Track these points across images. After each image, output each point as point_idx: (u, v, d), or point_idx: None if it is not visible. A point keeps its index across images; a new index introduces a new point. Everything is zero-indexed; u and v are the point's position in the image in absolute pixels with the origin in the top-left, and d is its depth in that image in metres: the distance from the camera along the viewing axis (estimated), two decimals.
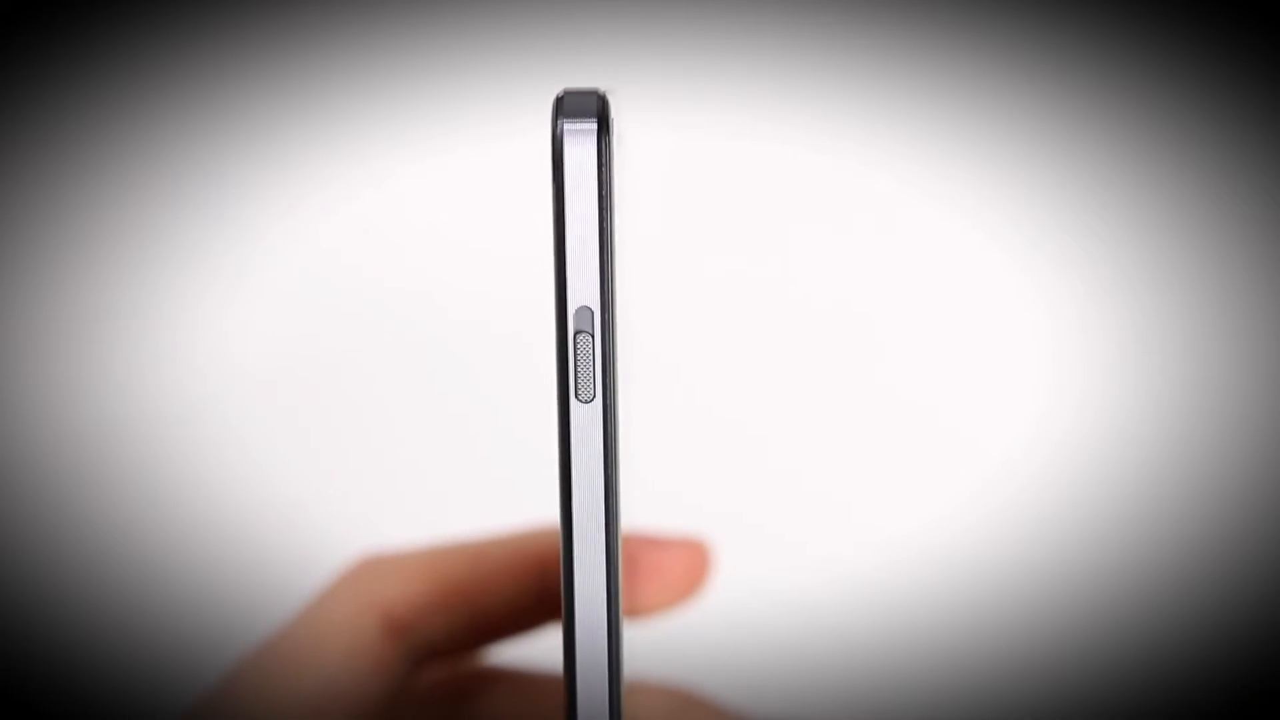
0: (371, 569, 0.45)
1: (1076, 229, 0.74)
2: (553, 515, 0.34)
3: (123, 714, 0.70)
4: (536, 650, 0.47)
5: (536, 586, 0.46)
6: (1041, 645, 0.72)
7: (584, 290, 0.33)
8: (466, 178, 0.73)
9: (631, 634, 0.42)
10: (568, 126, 0.32)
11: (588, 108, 0.33)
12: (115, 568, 0.72)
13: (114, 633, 0.72)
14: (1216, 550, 0.73)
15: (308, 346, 0.73)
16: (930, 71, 0.73)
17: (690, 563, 0.47)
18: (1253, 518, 0.73)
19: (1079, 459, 0.73)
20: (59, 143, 0.72)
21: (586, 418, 0.33)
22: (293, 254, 0.73)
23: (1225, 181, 0.73)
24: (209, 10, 0.72)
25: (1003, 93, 0.73)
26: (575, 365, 0.33)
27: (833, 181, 0.74)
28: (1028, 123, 0.73)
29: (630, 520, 0.42)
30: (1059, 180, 0.73)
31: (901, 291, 0.74)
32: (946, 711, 0.72)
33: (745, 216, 0.74)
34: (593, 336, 0.33)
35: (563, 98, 0.33)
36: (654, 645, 0.47)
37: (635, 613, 0.46)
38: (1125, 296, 0.74)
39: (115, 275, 0.73)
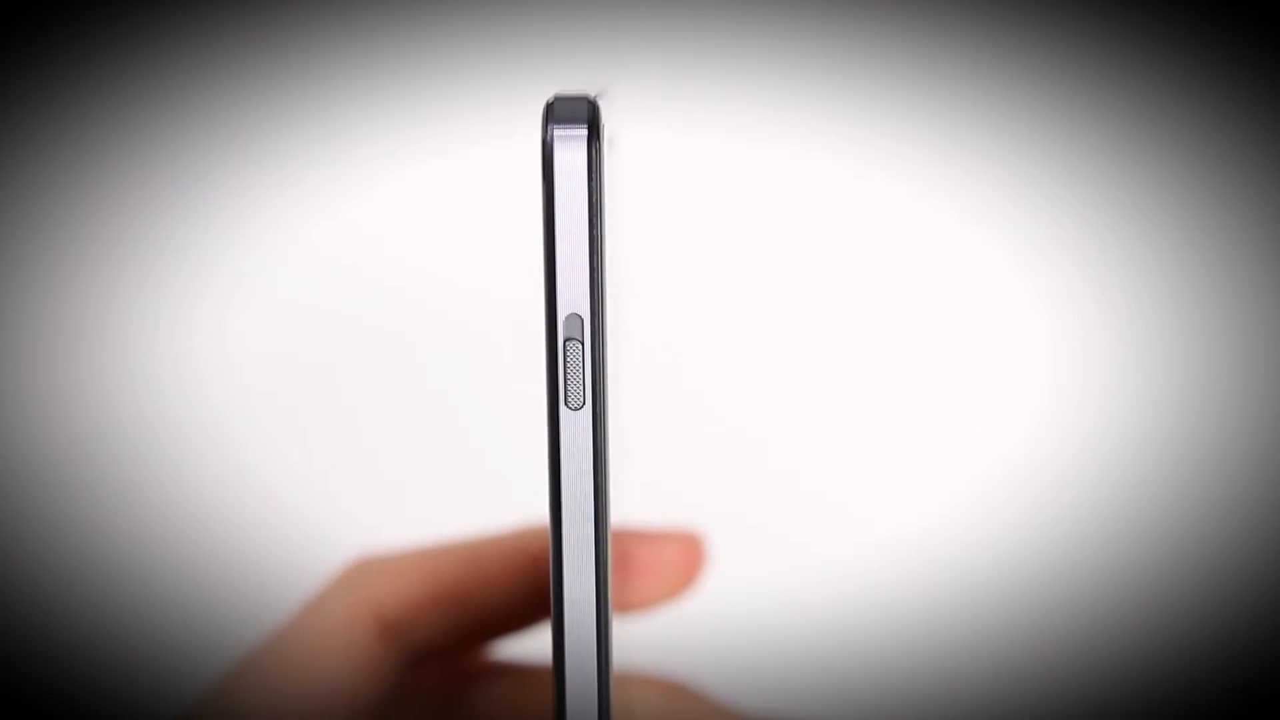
0: (366, 570, 0.45)
1: (1077, 228, 0.73)
2: (544, 514, 0.34)
3: (119, 716, 0.70)
4: (532, 646, 0.47)
5: (530, 585, 0.46)
6: (1040, 645, 0.72)
7: (573, 298, 0.33)
8: (460, 181, 0.73)
9: (624, 628, 0.42)
10: (558, 132, 0.32)
11: (578, 113, 0.32)
12: (112, 570, 0.72)
13: (111, 635, 0.72)
14: (1217, 550, 0.73)
15: (302, 349, 0.74)
16: (928, 69, 0.73)
17: (685, 557, 0.47)
18: (1253, 517, 0.73)
19: (1079, 459, 0.73)
20: (54, 148, 0.72)
21: (576, 425, 0.33)
22: (288, 258, 0.73)
23: (1227, 180, 0.73)
24: (205, 16, 0.72)
25: (1002, 91, 0.73)
26: (565, 372, 0.33)
27: (829, 181, 0.74)
28: (1027, 121, 0.73)
29: (625, 517, 0.42)
30: (1059, 179, 0.73)
31: (900, 291, 0.74)
32: (942, 710, 0.72)
33: (744, 217, 0.74)
34: (582, 344, 0.33)
35: (553, 103, 0.33)
36: (647, 640, 0.47)
37: (630, 607, 0.46)
38: (1126, 296, 0.73)
39: (110, 280, 0.73)
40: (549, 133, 0.32)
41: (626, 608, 0.46)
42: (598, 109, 0.32)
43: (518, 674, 0.48)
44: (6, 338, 0.73)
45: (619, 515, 0.36)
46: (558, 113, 0.32)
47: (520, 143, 0.38)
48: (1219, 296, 0.73)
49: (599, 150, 0.32)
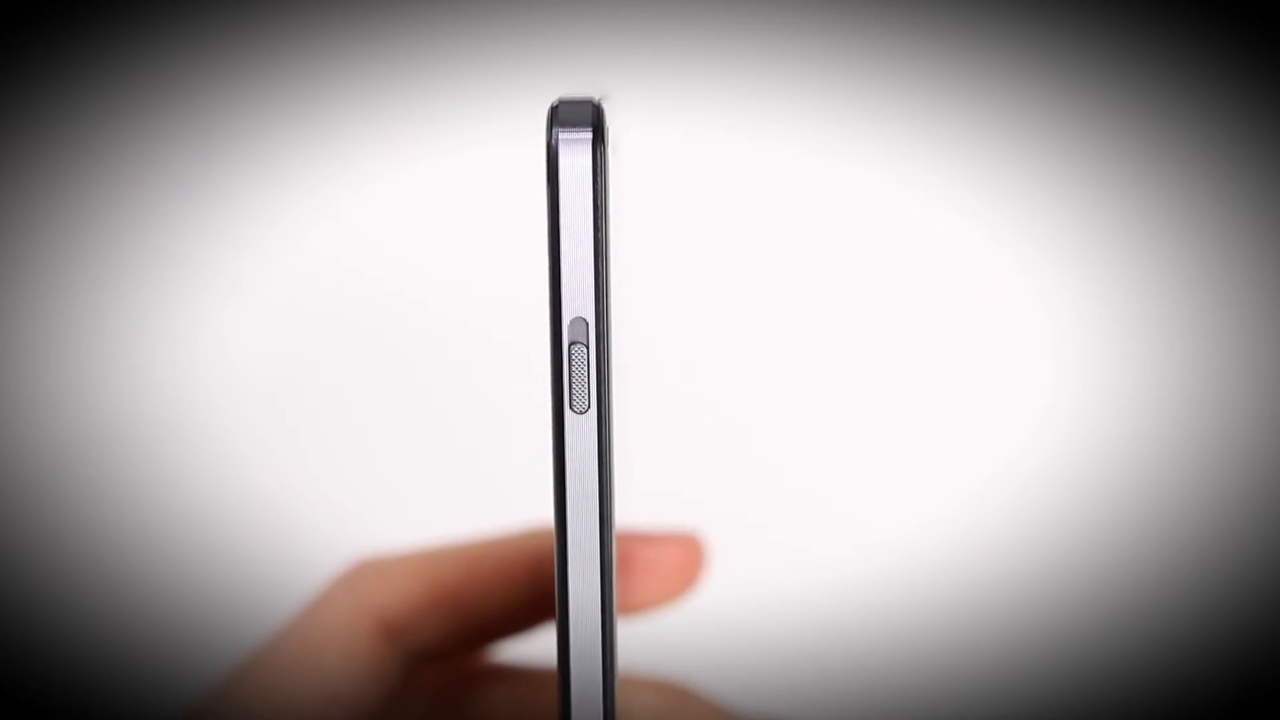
0: (366, 572, 0.45)
1: (1076, 228, 0.73)
2: (545, 516, 0.34)
3: (120, 716, 0.70)
4: (533, 649, 0.47)
5: (531, 588, 0.46)
6: (1040, 647, 0.72)
7: (579, 302, 0.33)
8: (464, 184, 0.73)
9: (624, 630, 0.42)
10: (563, 136, 0.32)
11: (582, 117, 0.32)
12: (111, 574, 0.72)
13: (111, 636, 0.72)
14: (1217, 550, 0.73)
15: (301, 352, 0.73)
16: (927, 68, 0.73)
17: (684, 559, 0.47)
18: (1254, 518, 0.73)
19: (1079, 460, 0.73)
20: (54, 149, 0.72)
21: (581, 429, 0.33)
22: (288, 260, 0.73)
23: (1227, 179, 0.73)
24: (205, 17, 0.72)
25: (1001, 90, 0.73)
26: (570, 376, 0.33)
27: (828, 182, 0.74)
28: (1027, 120, 0.73)
29: (625, 519, 0.42)
30: (1059, 178, 0.73)
31: (899, 291, 0.74)
32: (941, 711, 0.72)
33: (746, 219, 0.74)
34: (587, 348, 0.33)
35: (557, 106, 0.33)
36: (646, 641, 0.47)
37: (629, 609, 0.46)
38: (1126, 295, 0.73)
39: (110, 281, 0.73)
40: (554, 136, 0.32)
41: (626, 609, 0.46)
42: (602, 112, 0.32)
43: (518, 677, 0.48)
44: (6, 338, 0.73)
45: (619, 517, 0.36)
46: (562, 116, 0.32)
47: (524, 145, 0.38)
48: (1220, 297, 0.73)
49: (603, 154, 0.32)
